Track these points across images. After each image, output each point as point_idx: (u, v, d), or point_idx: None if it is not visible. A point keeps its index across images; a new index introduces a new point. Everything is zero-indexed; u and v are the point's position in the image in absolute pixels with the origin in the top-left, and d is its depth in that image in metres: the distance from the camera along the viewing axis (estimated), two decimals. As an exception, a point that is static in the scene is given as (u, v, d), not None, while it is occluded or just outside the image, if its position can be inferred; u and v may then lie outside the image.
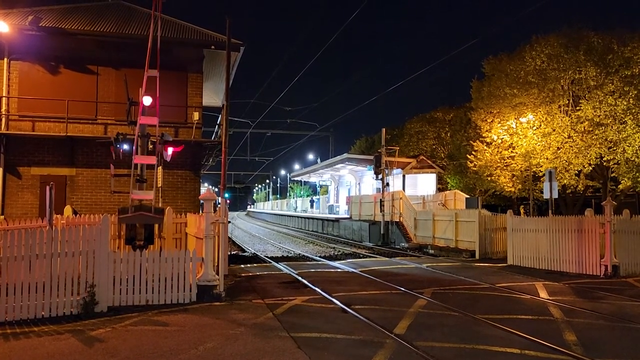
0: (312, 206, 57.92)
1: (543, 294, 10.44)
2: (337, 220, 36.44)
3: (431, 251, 21.62)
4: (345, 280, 12.24)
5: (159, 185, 11.03)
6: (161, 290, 9.02)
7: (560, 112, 25.83)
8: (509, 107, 27.33)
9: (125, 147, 10.88)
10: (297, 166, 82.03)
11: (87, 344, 6.58)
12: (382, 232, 27.18)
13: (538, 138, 25.79)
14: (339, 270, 14.36)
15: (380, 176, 27.77)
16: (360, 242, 28.98)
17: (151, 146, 10.68)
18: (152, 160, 10.47)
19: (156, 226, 10.33)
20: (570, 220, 14.27)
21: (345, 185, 48.91)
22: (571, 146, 24.84)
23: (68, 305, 8.18)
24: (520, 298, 10.07)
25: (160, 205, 11.49)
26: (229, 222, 13.17)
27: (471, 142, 31.02)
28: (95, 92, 16.77)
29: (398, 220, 26.95)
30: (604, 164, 25.43)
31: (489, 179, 29.03)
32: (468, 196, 27.43)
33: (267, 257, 20.64)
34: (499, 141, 28.04)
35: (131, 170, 10.24)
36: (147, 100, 10.36)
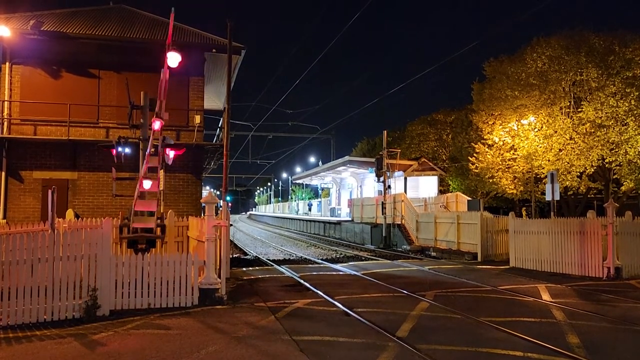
0: (310, 209, 57.94)
1: (546, 297, 10.41)
2: (338, 222, 36.42)
3: (433, 253, 21.61)
4: (348, 283, 12.23)
5: (161, 188, 11.03)
6: (163, 294, 9.02)
7: (562, 113, 25.76)
8: (510, 109, 27.28)
9: (127, 150, 10.89)
10: (298, 169, 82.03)
11: (90, 348, 6.58)
12: (383, 234, 27.17)
13: (539, 140, 25.73)
14: (341, 273, 14.35)
15: (381, 178, 27.77)
16: (362, 244, 28.95)
17: (152, 150, 10.68)
18: (155, 162, 10.45)
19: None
20: (572, 222, 14.24)
21: (347, 188, 48.88)
22: (573, 148, 24.76)
23: (70, 309, 8.19)
24: (522, 300, 10.04)
25: (162, 209, 11.50)
26: (231, 225, 13.17)
27: (472, 144, 30.96)
28: (97, 96, 16.81)
29: (400, 222, 26.95)
30: (606, 165, 25.35)
31: (490, 181, 28.96)
32: (470, 198, 27.40)
33: (269, 260, 20.64)
34: (501, 143, 27.97)
35: (133, 173, 10.24)
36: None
